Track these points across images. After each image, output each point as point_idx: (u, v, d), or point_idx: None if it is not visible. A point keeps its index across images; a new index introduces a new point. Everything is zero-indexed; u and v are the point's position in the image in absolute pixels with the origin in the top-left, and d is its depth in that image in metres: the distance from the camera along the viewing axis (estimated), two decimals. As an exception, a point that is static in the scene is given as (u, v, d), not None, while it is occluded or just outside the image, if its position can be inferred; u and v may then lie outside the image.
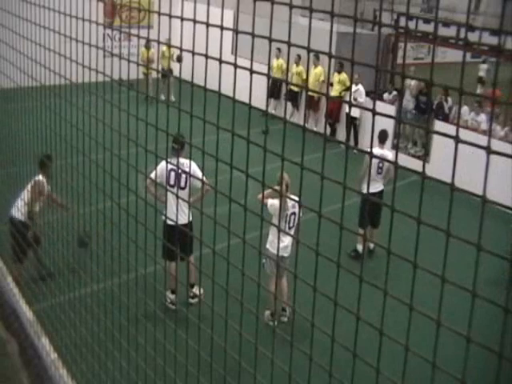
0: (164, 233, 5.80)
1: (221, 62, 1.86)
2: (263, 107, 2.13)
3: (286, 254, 7.33)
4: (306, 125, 1.95)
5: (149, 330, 2.80)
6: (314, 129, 15.37)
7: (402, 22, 16.68)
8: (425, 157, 14.42)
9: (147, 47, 15.92)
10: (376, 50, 15.07)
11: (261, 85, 2.21)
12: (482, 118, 13.46)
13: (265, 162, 1.72)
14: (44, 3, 3.44)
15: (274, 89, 16.82)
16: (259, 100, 2.56)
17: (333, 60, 1.57)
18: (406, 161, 13.50)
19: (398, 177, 1.39)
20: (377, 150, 8.89)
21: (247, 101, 1.82)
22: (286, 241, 7.33)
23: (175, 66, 14.79)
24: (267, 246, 7.31)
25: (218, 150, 1.97)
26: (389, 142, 13.52)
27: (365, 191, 8.37)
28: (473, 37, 15.30)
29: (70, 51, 3.03)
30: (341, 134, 15.24)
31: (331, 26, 1.52)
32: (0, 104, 5.80)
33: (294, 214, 7.34)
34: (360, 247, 9.36)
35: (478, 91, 21.32)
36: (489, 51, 14.16)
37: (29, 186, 6.90)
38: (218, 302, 2.09)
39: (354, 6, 1.56)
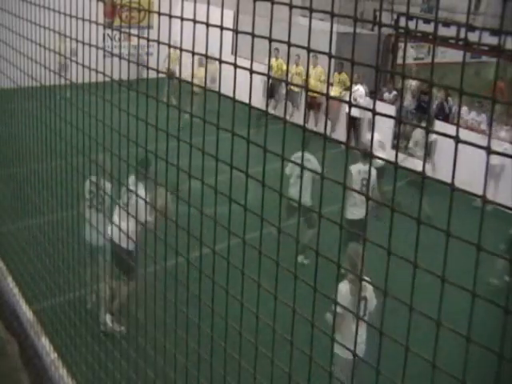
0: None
1: (221, 62, 1.86)
2: (260, 106, 2.12)
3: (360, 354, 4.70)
4: (306, 125, 1.95)
5: (149, 330, 2.80)
6: (314, 129, 15.35)
7: (402, 22, 16.67)
8: (425, 157, 14.39)
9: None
10: (376, 49, 15.06)
11: (259, 85, 2.20)
12: (483, 117, 13.42)
13: (265, 162, 1.71)
14: (44, 3, 3.44)
15: (274, 88, 16.79)
16: (255, 100, 2.55)
17: (333, 60, 1.56)
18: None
19: (398, 177, 1.39)
20: None
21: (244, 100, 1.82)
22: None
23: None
24: (335, 350, 4.21)
25: (216, 149, 1.97)
26: (389, 142, 13.57)
27: None
28: (473, 37, 15.28)
29: (70, 51, 3.03)
30: (341, 135, 15.22)
31: (331, 26, 1.52)
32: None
33: (364, 298, 5.49)
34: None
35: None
36: (489, 51, 14.14)
37: None
38: (218, 301, 2.09)
39: (353, 6, 1.56)
